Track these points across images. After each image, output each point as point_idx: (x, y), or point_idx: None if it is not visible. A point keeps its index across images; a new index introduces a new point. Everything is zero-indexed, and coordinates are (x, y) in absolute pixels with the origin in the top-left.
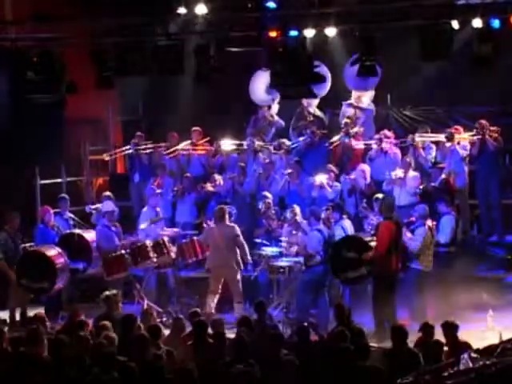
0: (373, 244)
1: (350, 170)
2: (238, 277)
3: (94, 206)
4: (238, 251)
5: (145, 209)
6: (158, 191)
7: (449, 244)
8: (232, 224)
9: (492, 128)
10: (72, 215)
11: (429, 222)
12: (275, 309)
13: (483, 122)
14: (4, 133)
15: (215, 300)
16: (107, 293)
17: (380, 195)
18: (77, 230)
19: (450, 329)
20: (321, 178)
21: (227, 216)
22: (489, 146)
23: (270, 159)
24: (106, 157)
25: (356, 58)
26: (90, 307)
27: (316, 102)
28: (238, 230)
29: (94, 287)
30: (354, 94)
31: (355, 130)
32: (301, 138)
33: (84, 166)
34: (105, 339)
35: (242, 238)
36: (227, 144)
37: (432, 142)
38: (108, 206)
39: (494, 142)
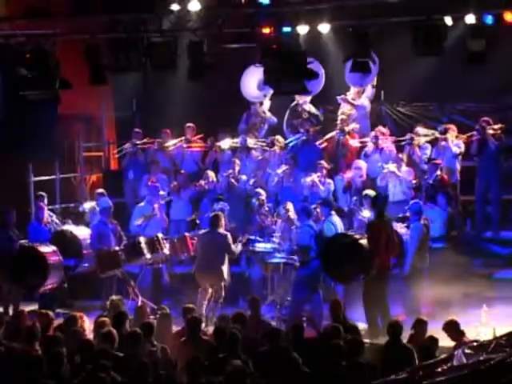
0: (364, 242)
1: (345, 167)
2: (222, 284)
3: (87, 206)
4: (224, 260)
5: (142, 204)
6: (162, 193)
7: (443, 238)
8: (225, 232)
9: (494, 126)
10: (51, 212)
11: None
12: (269, 305)
13: (485, 120)
14: None
15: (205, 300)
16: (112, 297)
17: (369, 191)
18: (69, 227)
19: (451, 327)
20: (312, 177)
21: (222, 223)
22: (490, 145)
23: (264, 156)
24: (115, 154)
25: (349, 55)
26: (84, 304)
27: (309, 98)
28: (229, 240)
29: (88, 284)
30: (353, 90)
31: (351, 126)
32: (296, 136)
33: (77, 162)
34: (104, 336)
35: (233, 247)
36: (225, 143)
37: (428, 141)
38: (104, 202)
39: (495, 140)
